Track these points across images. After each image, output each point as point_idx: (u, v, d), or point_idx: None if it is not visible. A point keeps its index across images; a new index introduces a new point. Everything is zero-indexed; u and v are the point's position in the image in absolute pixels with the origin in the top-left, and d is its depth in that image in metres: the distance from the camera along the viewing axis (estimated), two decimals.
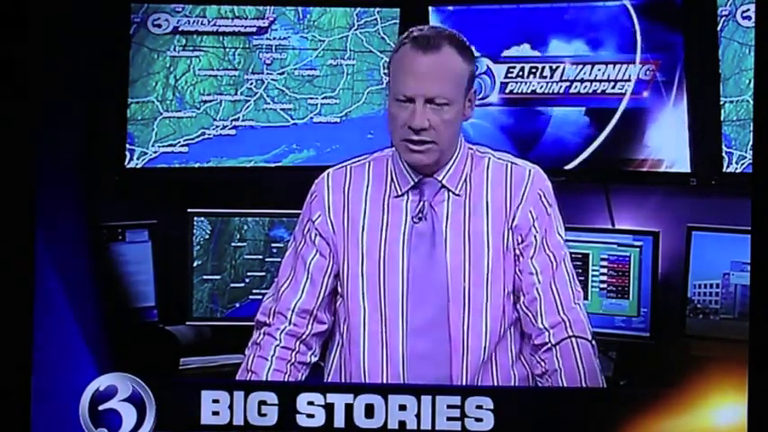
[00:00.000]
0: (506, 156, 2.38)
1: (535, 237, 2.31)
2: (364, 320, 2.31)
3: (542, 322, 2.29)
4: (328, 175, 2.38)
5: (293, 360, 2.36)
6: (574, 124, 3.34)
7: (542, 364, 2.29)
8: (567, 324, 2.29)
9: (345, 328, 2.34)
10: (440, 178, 2.31)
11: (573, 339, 2.28)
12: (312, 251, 2.36)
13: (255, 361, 2.35)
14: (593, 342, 2.31)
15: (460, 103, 2.26)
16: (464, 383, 2.28)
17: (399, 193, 2.33)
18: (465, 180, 2.32)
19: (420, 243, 2.30)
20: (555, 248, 2.32)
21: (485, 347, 2.29)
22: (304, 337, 2.36)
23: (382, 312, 2.29)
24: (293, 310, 2.36)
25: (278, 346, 2.35)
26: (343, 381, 2.35)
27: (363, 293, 2.31)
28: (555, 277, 2.31)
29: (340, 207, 2.34)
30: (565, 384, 2.25)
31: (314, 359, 2.39)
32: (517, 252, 2.31)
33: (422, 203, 2.31)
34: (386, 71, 2.36)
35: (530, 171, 2.34)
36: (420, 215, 2.31)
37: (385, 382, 2.29)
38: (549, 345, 2.28)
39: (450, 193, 2.32)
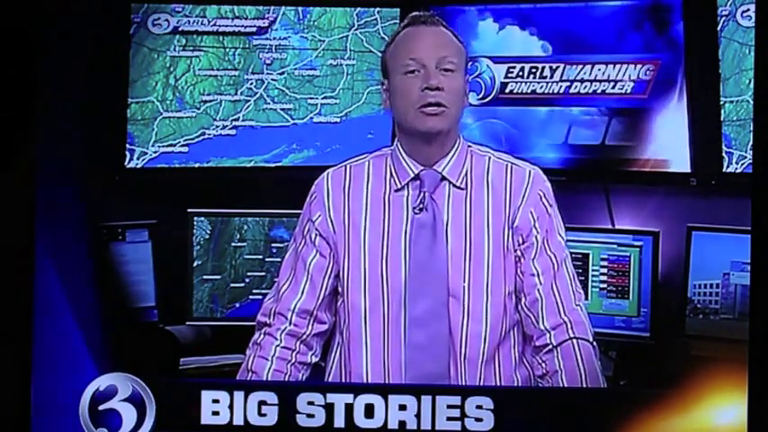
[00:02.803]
0: (506, 156, 2.39)
1: (536, 238, 2.31)
2: (365, 318, 2.31)
3: (543, 324, 2.29)
4: (328, 175, 2.39)
5: (293, 360, 2.36)
6: (574, 124, 3.34)
7: (543, 365, 2.30)
8: (569, 326, 2.29)
9: (346, 327, 2.34)
10: (440, 170, 2.32)
11: (574, 341, 2.28)
12: (312, 251, 2.36)
13: (256, 361, 2.35)
14: (595, 344, 2.31)
15: (463, 78, 2.30)
16: (464, 379, 2.28)
17: (399, 186, 2.33)
18: (466, 174, 2.33)
19: (421, 234, 2.30)
20: (556, 249, 2.33)
21: (484, 344, 2.29)
22: (304, 337, 2.37)
23: (383, 307, 2.30)
24: (293, 311, 2.36)
25: (278, 346, 2.36)
26: (343, 379, 2.35)
27: (364, 292, 2.31)
28: (556, 279, 2.31)
29: (340, 207, 2.34)
30: (565, 386, 2.25)
31: (314, 359, 2.39)
32: (518, 253, 2.31)
33: (422, 194, 2.32)
34: (381, 67, 2.36)
35: (529, 172, 2.35)
36: (421, 206, 2.31)
37: (385, 375, 2.29)
38: (551, 346, 2.28)
39: (452, 186, 2.32)
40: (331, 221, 2.34)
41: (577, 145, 3.34)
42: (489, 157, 2.36)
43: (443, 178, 2.32)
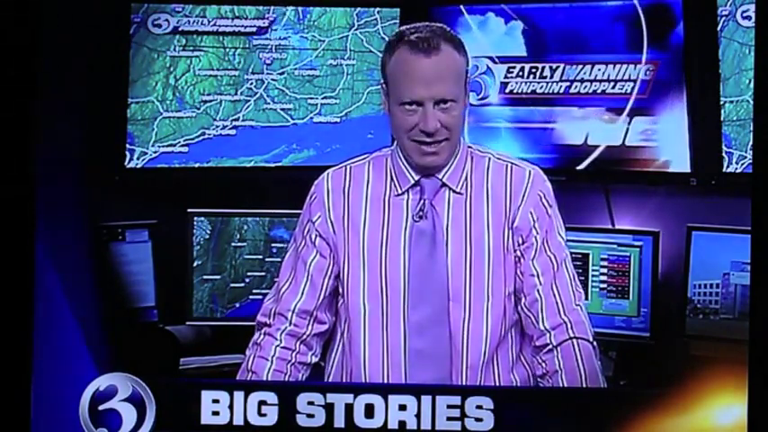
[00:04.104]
0: (506, 156, 2.38)
1: (536, 238, 2.31)
2: (365, 320, 2.31)
3: (543, 324, 2.29)
4: (328, 175, 2.38)
5: (293, 360, 2.36)
6: (573, 124, 3.34)
7: (543, 365, 2.29)
8: (569, 326, 2.28)
9: (346, 327, 2.34)
10: (440, 176, 2.31)
11: (574, 341, 2.27)
12: (312, 252, 2.36)
13: (256, 361, 2.35)
14: (595, 344, 2.31)
15: (463, 98, 2.27)
16: (464, 383, 2.28)
17: (399, 191, 2.33)
18: (465, 179, 2.32)
19: (420, 241, 2.30)
20: (556, 250, 2.32)
21: (485, 347, 2.29)
22: (304, 337, 2.36)
23: (383, 311, 2.30)
24: (293, 311, 2.36)
25: (278, 346, 2.35)
26: (343, 380, 2.35)
27: (364, 293, 2.31)
28: (556, 279, 2.31)
29: (340, 207, 2.34)
30: (565, 385, 2.25)
31: (314, 359, 2.39)
32: (518, 254, 2.31)
33: (422, 202, 2.31)
34: (381, 72, 2.34)
35: (529, 172, 2.34)
36: (421, 213, 2.31)
37: (386, 380, 2.29)
38: (551, 346, 2.28)
39: (451, 192, 2.32)
40: (331, 222, 2.34)
41: (577, 145, 3.34)
42: (489, 158, 2.36)
43: (443, 185, 2.31)
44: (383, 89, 2.32)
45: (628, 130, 3.28)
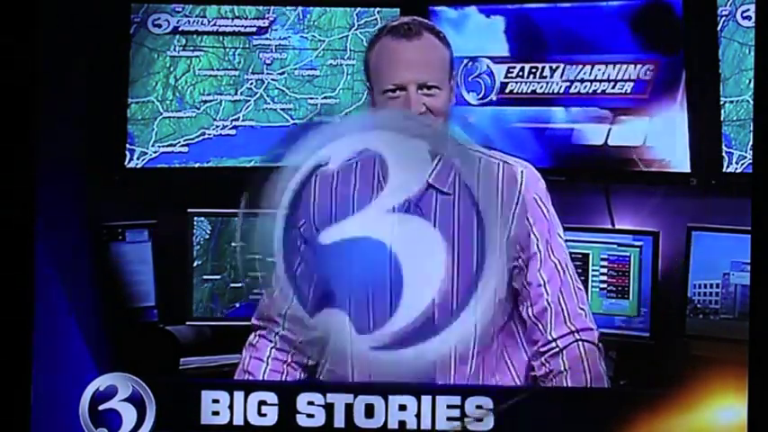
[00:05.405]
0: (498, 154, 2.31)
1: (537, 246, 2.26)
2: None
3: (551, 334, 2.25)
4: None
5: (289, 360, 2.34)
6: (574, 124, 3.34)
7: (547, 365, 2.26)
8: (575, 332, 2.26)
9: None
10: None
11: (579, 343, 2.24)
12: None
13: (252, 362, 2.34)
14: (600, 345, 2.28)
15: (448, 89, 2.24)
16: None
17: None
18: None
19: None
20: (559, 254, 2.28)
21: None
22: (298, 342, 2.33)
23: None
24: (284, 317, 2.33)
25: (273, 347, 2.34)
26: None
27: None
28: (562, 286, 2.27)
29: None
30: (569, 386, 2.24)
31: (311, 362, 2.37)
32: (519, 264, 2.26)
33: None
34: (364, 72, 2.32)
35: (522, 172, 2.27)
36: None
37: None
38: (557, 349, 2.26)
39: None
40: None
41: (577, 145, 3.34)
42: (480, 158, 2.28)
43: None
44: (367, 88, 2.29)
45: (628, 129, 3.27)
